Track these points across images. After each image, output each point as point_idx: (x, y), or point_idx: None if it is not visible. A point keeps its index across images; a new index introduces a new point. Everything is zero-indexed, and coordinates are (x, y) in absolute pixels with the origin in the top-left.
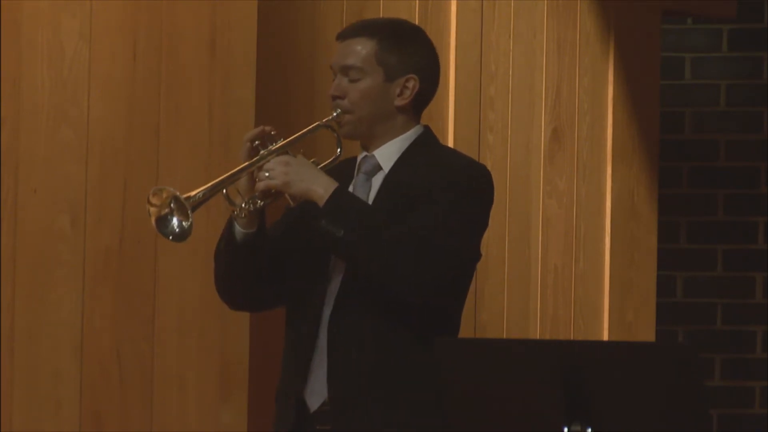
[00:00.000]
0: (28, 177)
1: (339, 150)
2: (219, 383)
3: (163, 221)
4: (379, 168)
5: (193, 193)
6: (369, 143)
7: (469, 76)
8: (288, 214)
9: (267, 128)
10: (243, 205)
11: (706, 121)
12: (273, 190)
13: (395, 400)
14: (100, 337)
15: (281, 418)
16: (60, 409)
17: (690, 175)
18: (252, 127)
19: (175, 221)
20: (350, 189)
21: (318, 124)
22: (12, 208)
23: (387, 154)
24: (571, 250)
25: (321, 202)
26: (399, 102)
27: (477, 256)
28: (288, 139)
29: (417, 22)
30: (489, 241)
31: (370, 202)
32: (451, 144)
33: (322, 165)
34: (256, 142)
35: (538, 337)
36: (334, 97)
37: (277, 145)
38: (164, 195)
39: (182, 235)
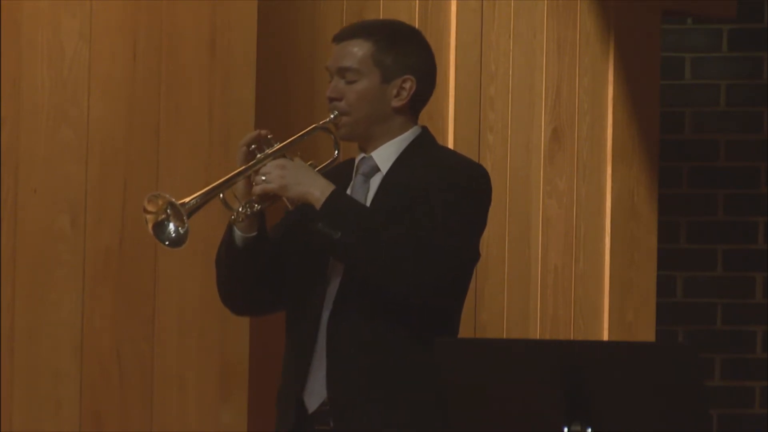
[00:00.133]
0: (28, 177)
1: (337, 152)
2: (219, 383)
3: (159, 228)
4: (377, 169)
5: (188, 198)
6: (366, 145)
7: (469, 76)
8: (287, 216)
9: (263, 132)
10: (240, 210)
11: (706, 121)
12: (270, 194)
13: (395, 400)
14: (100, 337)
15: (281, 419)
16: (60, 409)
17: (690, 175)
18: (252, 128)
19: (171, 227)
20: (348, 190)
21: (315, 127)
22: (12, 208)
23: (385, 155)
24: (571, 250)
25: (318, 205)
26: (396, 103)
27: (476, 256)
28: (284, 143)
29: (417, 23)
30: (489, 241)
31: (369, 203)
32: (451, 144)
33: (320, 167)
34: (253, 146)
35: (538, 337)
36: (331, 99)
37: (274, 149)
38: (160, 202)
39: (179, 241)
